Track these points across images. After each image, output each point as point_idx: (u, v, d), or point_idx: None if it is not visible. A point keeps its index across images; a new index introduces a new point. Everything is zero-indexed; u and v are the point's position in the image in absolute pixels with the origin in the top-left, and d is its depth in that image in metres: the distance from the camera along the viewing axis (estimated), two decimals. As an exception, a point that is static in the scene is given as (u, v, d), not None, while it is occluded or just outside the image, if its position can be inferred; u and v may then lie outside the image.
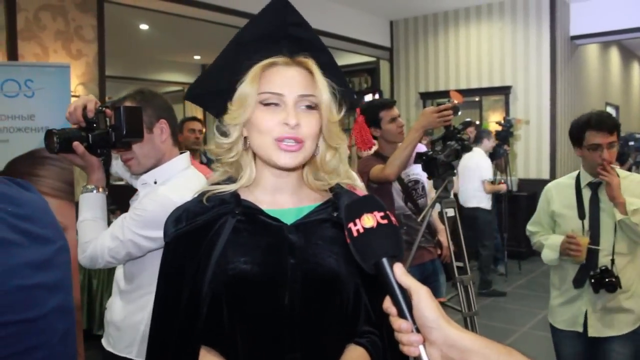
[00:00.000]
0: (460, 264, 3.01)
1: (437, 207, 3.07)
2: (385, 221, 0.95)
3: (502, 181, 6.79)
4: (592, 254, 2.56)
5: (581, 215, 2.63)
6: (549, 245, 2.68)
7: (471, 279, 2.95)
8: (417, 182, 3.16)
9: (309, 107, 1.21)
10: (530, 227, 2.91)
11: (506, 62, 8.36)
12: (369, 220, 0.95)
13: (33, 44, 5.03)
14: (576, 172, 2.75)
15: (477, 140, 6.58)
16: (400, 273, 0.92)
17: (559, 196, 2.74)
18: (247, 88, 1.20)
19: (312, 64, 1.23)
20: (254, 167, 1.27)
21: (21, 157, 3.76)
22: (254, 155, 1.27)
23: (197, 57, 11.98)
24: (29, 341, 0.98)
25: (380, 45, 9.23)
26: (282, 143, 1.18)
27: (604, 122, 2.53)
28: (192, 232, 1.25)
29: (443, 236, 3.22)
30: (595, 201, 2.63)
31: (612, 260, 2.54)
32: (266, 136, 1.19)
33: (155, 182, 1.94)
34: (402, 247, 0.97)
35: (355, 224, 0.96)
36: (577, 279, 2.62)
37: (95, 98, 1.94)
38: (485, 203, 6.54)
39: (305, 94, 1.21)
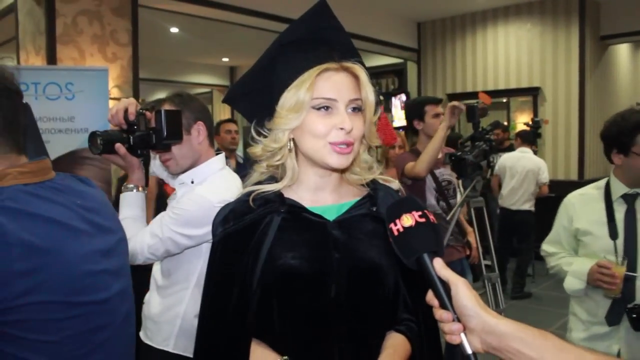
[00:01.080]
0: (488, 262, 3.05)
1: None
2: (423, 220, 1.02)
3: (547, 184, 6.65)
4: (629, 283, 2.11)
5: (613, 235, 2.17)
6: (574, 272, 2.22)
7: (498, 277, 2.99)
8: (449, 182, 3.23)
9: (355, 110, 1.27)
10: (546, 247, 2.46)
11: (534, 63, 8.31)
12: (408, 220, 1.02)
13: (71, 48, 5.19)
14: (603, 182, 2.32)
15: (529, 140, 6.44)
16: (439, 267, 0.99)
17: (584, 211, 2.29)
18: (302, 94, 1.24)
19: (358, 68, 1.28)
20: (297, 167, 1.32)
21: (62, 157, 3.91)
22: (296, 155, 1.32)
23: (225, 60, 12.14)
24: (98, 321, 1.08)
25: (407, 46, 9.25)
26: (336, 146, 1.23)
27: None
28: (240, 230, 1.31)
29: (472, 237, 3.27)
30: (631, 217, 2.19)
31: None
32: (320, 140, 1.24)
33: (193, 182, 2.01)
34: (442, 242, 1.04)
35: (395, 224, 1.03)
36: (612, 314, 2.16)
37: (135, 100, 2.02)
38: (533, 206, 6.40)
39: (354, 98, 1.26)
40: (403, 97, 9.16)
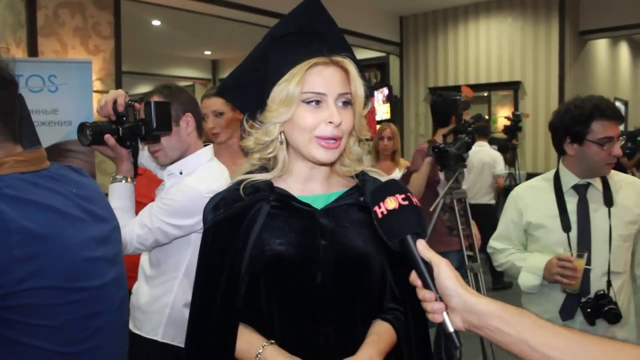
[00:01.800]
0: (471, 253, 3.11)
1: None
2: (406, 202, 1.05)
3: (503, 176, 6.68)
4: (584, 277, 2.04)
5: (566, 227, 2.09)
6: (529, 268, 2.14)
7: (480, 267, 3.05)
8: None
9: (345, 104, 1.30)
10: (494, 244, 2.35)
11: (515, 58, 8.40)
12: (391, 203, 1.05)
13: (52, 41, 5.15)
14: (550, 173, 2.25)
15: (485, 134, 6.43)
16: (422, 248, 1.02)
17: (535, 204, 2.19)
18: (291, 88, 1.26)
19: (348, 62, 1.31)
20: (287, 159, 1.35)
21: (45, 150, 3.88)
22: (287, 147, 1.35)
23: (207, 53, 12.07)
24: (95, 307, 1.10)
25: (390, 40, 9.28)
26: (323, 141, 1.26)
27: (615, 109, 2.06)
28: (230, 218, 1.34)
29: (475, 229, 3.36)
30: (584, 208, 2.11)
31: (609, 282, 2.07)
32: (308, 134, 1.27)
33: (181, 173, 2.03)
34: (424, 224, 1.07)
35: (379, 207, 1.06)
36: (566, 309, 2.09)
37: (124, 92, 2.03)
38: (493, 199, 6.43)
39: (343, 92, 1.29)
40: (385, 90, 9.21)
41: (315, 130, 1.26)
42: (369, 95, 1.38)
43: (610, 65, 10.51)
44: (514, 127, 6.84)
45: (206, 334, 1.36)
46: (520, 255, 2.21)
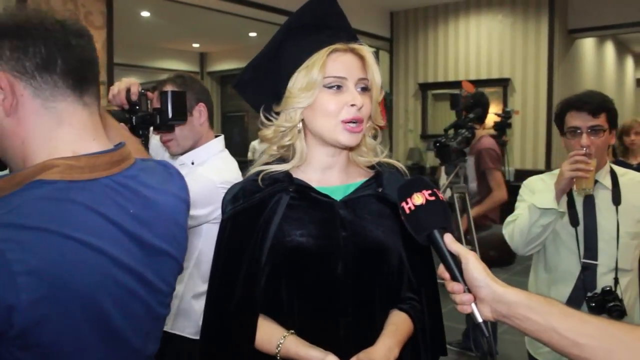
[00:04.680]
0: (470, 247, 3.13)
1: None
2: (433, 198, 1.07)
3: None
4: (590, 272, 2.08)
5: (574, 222, 2.12)
6: (540, 193, 2.11)
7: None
8: None
9: (364, 89, 1.32)
10: (508, 225, 2.23)
11: (505, 55, 8.46)
12: (418, 198, 1.07)
13: (43, 29, 5.06)
14: (558, 170, 2.21)
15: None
16: (450, 241, 1.04)
17: (547, 194, 2.13)
18: (314, 74, 1.28)
19: (365, 49, 1.34)
20: (305, 148, 1.36)
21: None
22: (305, 137, 1.36)
23: (196, 45, 12.00)
24: None
25: (380, 35, 9.28)
26: (347, 125, 1.28)
27: (585, 101, 2.10)
28: (249, 208, 1.35)
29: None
30: (590, 205, 2.14)
31: (616, 280, 2.07)
32: (332, 118, 1.29)
33: (193, 163, 2.03)
34: (450, 219, 1.09)
35: (407, 203, 1.08)
36: (571, 303, 2.06)
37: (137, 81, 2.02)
38: None
39: (362, 77, 1.32)
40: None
41: (340, 115, 1.28)
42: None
43: (597, 64, 10.64)
44: (504, 124, 6.89)
45: (224, 325, 1.36)
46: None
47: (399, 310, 1.40)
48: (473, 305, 1.01)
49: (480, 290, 0.99)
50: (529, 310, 0.95)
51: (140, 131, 1.94)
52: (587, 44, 9.95)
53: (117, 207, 1.00)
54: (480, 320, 1.00)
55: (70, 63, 0.99)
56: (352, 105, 1.28)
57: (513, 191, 7.60)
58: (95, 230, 0.94)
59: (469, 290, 1.01)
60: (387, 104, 9.27)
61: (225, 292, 1.36)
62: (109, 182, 1.01)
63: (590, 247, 2.09)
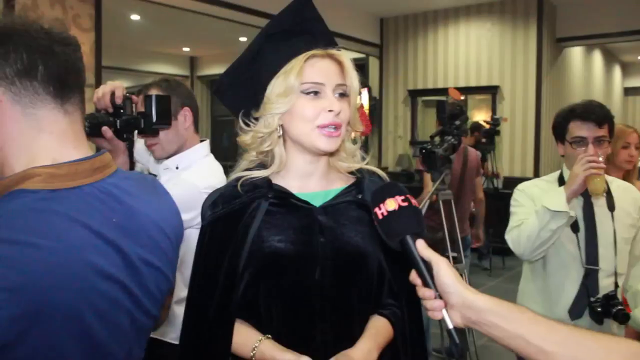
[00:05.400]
0: (455, 254, 3.13)
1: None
2: (405, 204, 1.07)
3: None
4: (592, 276, 2.11)
5: (574, 228, 2.14)
6: (551, 195, 2.09)
7: (465, 268, 3.08)
8: None
9: (342, 95, 1.32)
10: (511, 231, 2.23)
11: (493, 62, 8.52)
12: (391, 204, 1.07)
13: (30, 32, 5.03)
14: (555, 174, 2.31)
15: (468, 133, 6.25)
16: (422, 247, 1.04)
17: (543, 200, 2.13)
18: (291, 79, 1.28)
19: (343, 56, 1.34)
20: (284, 154, 1.36)
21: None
22: (284, 143, 1.36)
23: (186, 49, 11.99)
24: None
25: (370, 42, 9.32)
26: (324, 129, 1.28)
27: (591, 112, 2.13)
28: (229, 214, 1.35)
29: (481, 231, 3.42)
30: (589, 211, 2.16)
31: (616, 284, 2.12)
32: (309, 123, 1.29)
33: (177, 168, 2.02)
34: (423, 224, 1.09)
35: (380, 208, 1.08)
36: (576, 308, 2.13)
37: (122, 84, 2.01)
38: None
39: (340, 83, 1.32)
40: (365, 92, 9.25)
41: (317, 120, 1.28)
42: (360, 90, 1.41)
43: (585, 72, 10.75)
44: (493, 131, 6.93)
45: (203, 331, 1.36)
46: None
47: (379, 316, 1.40)
48: (444, 311, 1.01)
49: (450, 297, 1.00)
50: (498, 317, 0.96)
51: (124, 135, 1.93)
52: (575, 53, 10.05)
53: (100, 216, 0.98)
54: (451, 326, 1.00)
55: (53, 70, 0.98)
56: (330, 110, 1.28)
57: (501, 198, 7.66)
58: (78, 242, 0.92)
59: (440, 297, 1.02)
60: (373, 110, 9.30)
61: (203, 298, 1.36)
62: (91, 190, 0.99)
63: (592, 253, 2.12)
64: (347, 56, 1.35)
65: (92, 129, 1.86)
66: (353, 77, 1.34)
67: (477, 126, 6.91)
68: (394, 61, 9.52)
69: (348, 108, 1.33)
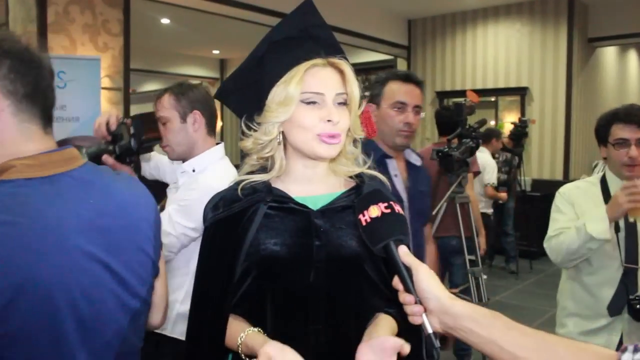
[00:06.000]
0: (472, 257, 3.12)
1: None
2: (388, 210, 1.11)
3: (505, 189, 6.50)
4: (631, 275, 2.19)
5: (616, 228, 2.20)
6: (592, 218, 2.14)
7: (481, 271, 3.06)
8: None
9: (341, 104, 1.34)
10: (551, 239, 2.30)
11: (522, 64, 8.40)
12: (374, 211, 1.11)
13: (62, 37, 5.18)
14: (598, 176, 2.38)
15: (485, 140, 6.11)
16: (403, 253, 1.07)
17: (586, 203, 2.26)
18: (291, 89, 1.30)
19: (344, 64, 1.35)
20: (284, 160, 1.39)
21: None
22: (285, 148, 1.39)
23: (215, 52, 12.13)
24: None
25: (398, 43, 9.30)
26: (324, 137, 1.30)
27: (633, 114, 2.22)
28: (229, 217, 1.38)
29: (482, 238, 3.42)
30: None
31: None
32: (308, 132, 1.31)
33: (194, 171, 2.09)
34: (406, 231, 1.12)
35: (364, 215, 1.12)
36: (615, 304, 2.19)
37: (118, 112, 2.08)
38: (487, 208, 6.05)
39: (340, 92, 1.34)
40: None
41: (316, 129, 1.30)
42: (363, 97, 1.43)
43: (619, 73, 10.49)
44: (520, 133, 6.84)
45: (202, 330, 1.40)
46: (577, 222, 2.20)
47: (385, 314, 1.40)
48: (424, 316, 1.03)
49: (429, 302, 1.03)
50: (473, 323, 0.98)
51: (127, 159, 2.00)
52: (609, 53, 9.83)
53: (76, 198, 1.08)
54: (430, 331, 1.03)
55: (48, 103, 1.12)
56: (329, 120, 1.30)
57: (529, 201, 7.55)
58: (54, 221, 1.01)
59: (421, 302, 1.04)
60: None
61: (204, 296, 1.40)
62: (65, 178, 1.09)
63: (631, 252, 2.20)
64: (348, 64, 1.36)
65: (92, 161, 1.93)
66: (354, 86, 1.36)
67: (492, 132, 6.58)
68: (421, 63, 9.48)
69: (348, 116, 1.35)
